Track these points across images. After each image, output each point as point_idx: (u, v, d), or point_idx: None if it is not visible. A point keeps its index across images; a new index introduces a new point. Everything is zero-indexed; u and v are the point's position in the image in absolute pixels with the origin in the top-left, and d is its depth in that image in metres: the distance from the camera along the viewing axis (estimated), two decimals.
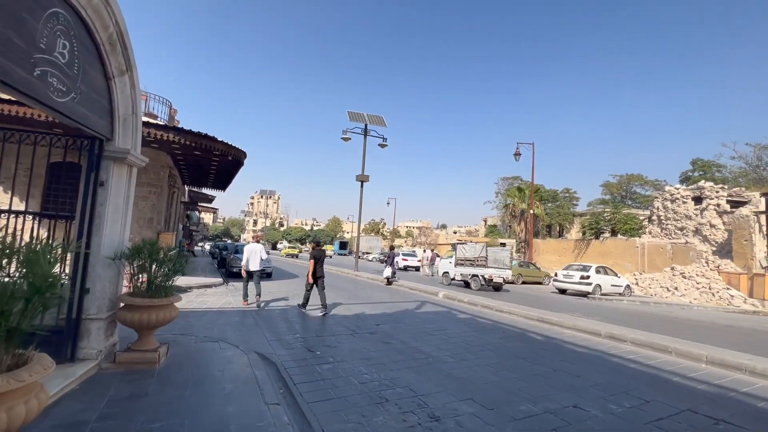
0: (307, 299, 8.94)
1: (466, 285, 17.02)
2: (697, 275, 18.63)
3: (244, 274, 9.72)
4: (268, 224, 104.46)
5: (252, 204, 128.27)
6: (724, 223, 20.28)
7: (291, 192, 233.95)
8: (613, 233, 28.09)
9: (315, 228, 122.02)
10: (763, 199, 18.98)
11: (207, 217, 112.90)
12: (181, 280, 11.85)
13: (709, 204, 20.71)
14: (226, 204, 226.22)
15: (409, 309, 9.97)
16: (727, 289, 17.54)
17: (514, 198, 33.27)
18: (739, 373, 5.42)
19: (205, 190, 38.93)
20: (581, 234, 51.34)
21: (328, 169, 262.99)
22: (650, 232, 23.94)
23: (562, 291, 18.36)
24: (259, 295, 9.38)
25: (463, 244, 19.87)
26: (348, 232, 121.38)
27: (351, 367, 4.91)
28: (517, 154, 26.91)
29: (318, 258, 9.05)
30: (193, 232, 52.19)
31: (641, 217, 26.43)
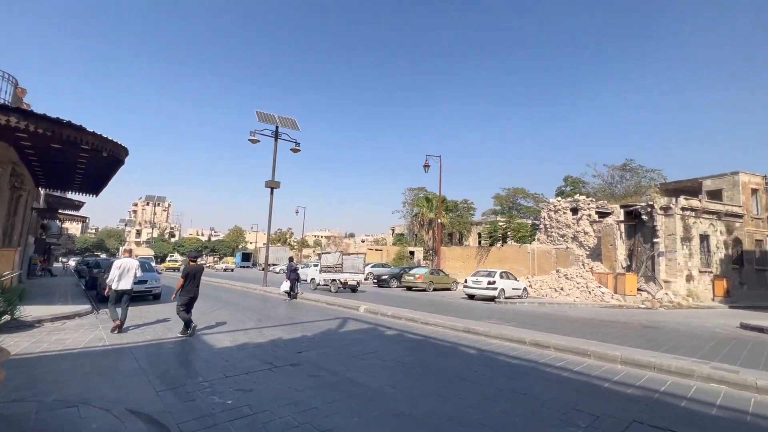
0: (187, 323, 7.70)
1: (342, 288, 19.38)
2: (576, 276, 21.46)
3: (107, 293, 8.12)
4: (155, 235, 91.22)
5: (135, 212, 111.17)
6: (594, 230, 23.96)
7: (185, 199, 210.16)
8: (504, 240, 31.13)
9: (214, 238, 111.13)
10: (622, 211, 22.93)
11: (73, 228, 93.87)
12: (27, 310, 8.99)
13: (583, 214, 24.30)
14: (101, 211, 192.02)
15: (332, 329, 9.06)
16: (599, 287, 20.53)
17: (423, 207, 34.68)
18: (650, 371, 5.87)
19: (71, 195, 32.08)
20: (478, 242, 56.29)
21: (229, 176, 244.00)
22: (539, 239, 27.10)
23: (471, 296, 19.32)
24: (122, 321, 7.88)
25: (326, 253, 22.51)
26: (251, 243, 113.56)
27: (276, 418, 3.88)
28: (426, 166, 28.02)
29: (191, 275, 7.78)
30: (52, 246, 42.54)
31: (529, 226, 29.79)
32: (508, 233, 29.24)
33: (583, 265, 22.34)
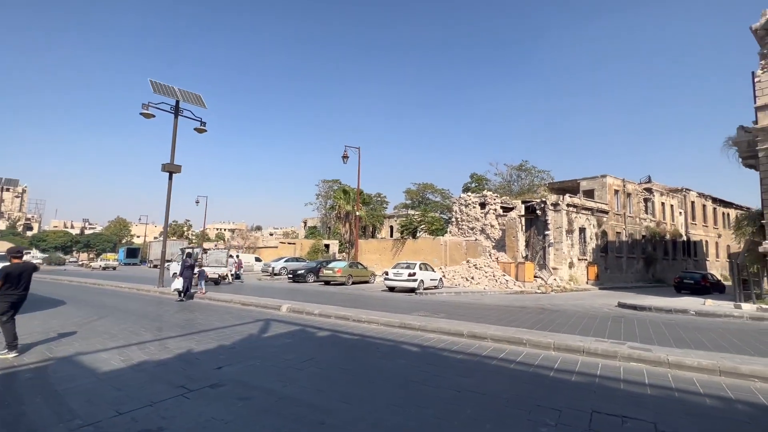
0: (12, 336, 6.05)
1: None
2: (485, 266, 23.16)
3: None
4: (3, 227, 72.93)
5: None
6: (499, 223, 26.22)
7: (48, 185, 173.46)
8: (414, 234, 32.26)
9: (89, 231, 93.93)
10: (523, 206, 25.48)
11: None
12: None
13: (490, 209, 26.41)
14: None
15: (254, 334, 7.90)
16: (504, 275, 22.48)
17: (340, 200, 33.96)
18: (580, 354, 6.23)
19: None
20: (390, 234, 57.75)
21: (109, 160, 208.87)
22: (450, 232, 28.69)
23: (392, 288, 19.39)
24: None
25: (189, 248, 24.72)
26: (138, 236, 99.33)
27: None
28: (345, 157, 27.33)
29: (14, 276, 6.13)
30: None
31: (441, 219, 31.39)
32: (422, 226, 30.33)
33: (490, 255, 24.25)
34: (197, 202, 49.29)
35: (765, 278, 16.26)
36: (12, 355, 5.97)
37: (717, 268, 41.63)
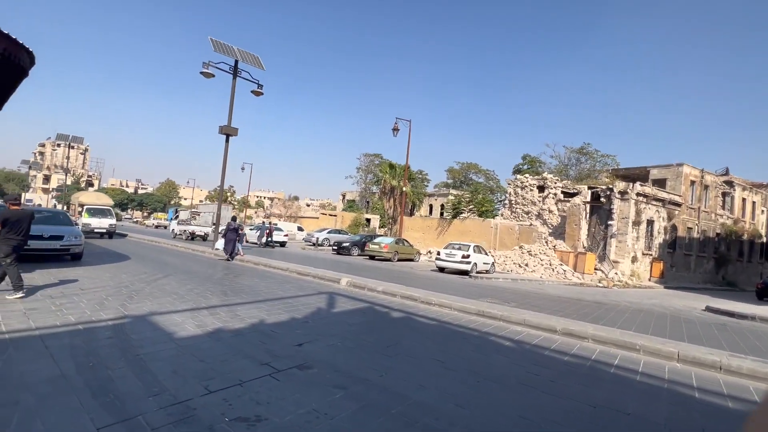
0: (17, 277, 6.14)
1: (191, 237, 24.06)
2: (540, 253, 21.74)
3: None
4: (69, 182, 79.02)
5: (42, 153, 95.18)
6: (558, 209, 24.41)
7: (107, 145, 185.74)
8: (456, 215, 30.85)
9: (141, 191, 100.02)
10: (589, 192, 23.46)
11: None
12: None
13: (550, 193, 24.59)
14: None
15: (322, 308, 7.42)
16: (561, 264, 21.00)
17: (386, 174, 33.11)
18: (719, 372, 5.16)
19: None
20: (429, 213, 56.54)
21: (163, 124, 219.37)
22: (502, 214, 27.20)
23: (441, 269, 18.62)
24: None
25: (183, 210, 30.09)
26: (186, 199, 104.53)
27: None
28: (396, 129, 26.24)
29: (12, 222, 6.20)
30: None
31: (494, 201, 29.81)
32: (470, 206, 29.00)
33: (546, 242, 22.72)
34: (243, 168, 50.34)
35: None
36: (19, 295, 6.07)
37: None
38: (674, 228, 27.54)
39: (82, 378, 3.55)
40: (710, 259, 30.73)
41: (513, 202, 26.59)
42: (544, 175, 25.78)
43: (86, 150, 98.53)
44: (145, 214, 79.48)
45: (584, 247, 22.71)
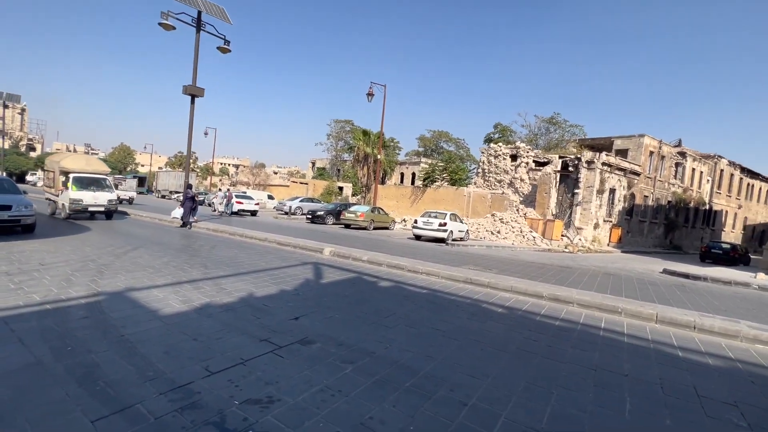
0: None
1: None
2: (512, 221, 22.40)
3: None
4: (6, 146, 71.22)
5: None
6: (530, 178, 25.04)
7: (49, 105, 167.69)
8: (430, 183, 30.97)
9: (92, 155, 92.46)
10: (560, 161, 24.10)
11: None
12: None
13: (522, 161, 25.06)
14: None
15: (310, 278, 7.21)
16: (531, 231, 21.80)
17: (359, 141, 32.31)
18: (693, 331, 5.53)
19: None
20: (400, 181, 56.49)
21: (113, 82, 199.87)
22: (475, 183, 27.56)
23: (418, 237, 18.77)
24: None
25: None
26: (143, 165, 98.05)
27: None
28: (370, 94, 25.34)
29: None
30: None
31: (467, 170, 30.05)
32: (444, 175, 29.12)
33: (517, 210, 23.40)
34: (206, 133, 47.39)
35: None
36: None
37: (731, 238, 41.12)
38: (633, 196, 29.19)
39: (62, 364, 3.20)
40: (661, 225, 33.10)
41: (486, 170, 26.94)
42: (517, 144, 26.14)
43: (24, 110, 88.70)
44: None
45: (553, 215, 23.65)
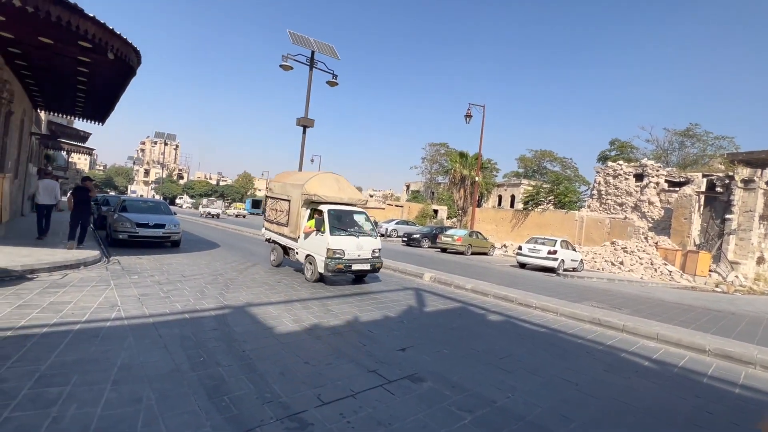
0: (73, 234, 8.88)
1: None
2: (638, 250, 19.16)
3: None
4: (164, 175, 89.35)
5: (143, 150, 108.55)
6: (661, 200, 21.32)
7: (192, 141, 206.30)
8: (534, 206, 28.45)
9: (222, 183, 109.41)
10: (704, 180, 20.12)
11: (81, 162, 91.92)
12: (13, 255, 6.94)
13: (650, 182, 21.54)
14: (108, 147, 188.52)
15: (413, 306, 6.94)
16: (665, 264, 18.29)
17: (456, 163, 31.79)
18: None
19: (76, 125, 29.38)
20: (497, 204, 53.77)
21: (238, 121, 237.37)
22: (589, 206, 24.55)
23: (522, 265, 17.23)
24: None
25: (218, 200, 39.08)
26: (260, 190, 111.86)
27: None
28: (468, 116, 24.83)
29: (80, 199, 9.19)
30: (60, 179, 40.76)
31: (578, 191, 27.08)
32: (549, 197, 26.61)
33: (646, 238, 19.97)
34: (312, 160, 52.06)
35: None
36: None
37: None
38: None
39: (196, 375, 3.41)
40: None
41: (603, 192, 23.77)
42: (644, 161, 22.57)
43: (177, 146, 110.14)
44: (227, 204, 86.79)
45: (695, 245, 19.53)
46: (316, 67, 16.85)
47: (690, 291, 15.35)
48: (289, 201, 9.00)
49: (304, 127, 16.69)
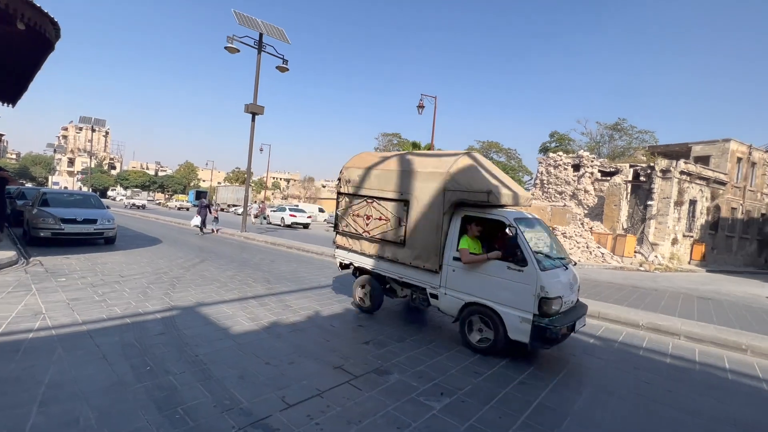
0: None
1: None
2: (576, 235, 20.74)
3: None
4: (92, 165, 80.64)
5: (66, 137, 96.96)
6: (595, 189, 23.18)
7: (125, 127, 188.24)
8: None
9: (161, 173, 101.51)
10: (631, 170, 22.11)
11: None
12: None
13: (586, 172, 23.30)
14: (22, 135, 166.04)
15: None
16: (599, 247, 20.00)
17: None
18: None
19: None
20: None
21: (180, 107, 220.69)
22: (533, 195, 26.04)
23: None
24: None
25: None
26: (204, 180, 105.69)
27: None
28: (421, 107, 25.10)
29: None
30: None
31: (524, 181, 28.61)
32: None
33: (582, 224, 21.65)
34: (261, 150, 49.90)
35: None
36: None
37: None
38: (717, 208, 25.95)
39: (143, 386, 3.09)
40: (753, 241, 29.05)
41: (545, 181, 25.40)
42: (580, 152, 24.40)
43: (107, 133, 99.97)
44: (167, 196, 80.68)
45: (624, 229, 21.57)
46: (264, 51, 16.03)
47: (619, 271, 16.96)
48: (404, 202, 5.17)
49: (253, 114, 15.92)
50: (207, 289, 6.44)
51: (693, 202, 24.12)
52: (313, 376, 3.53)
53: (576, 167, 24.24)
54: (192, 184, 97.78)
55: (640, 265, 18.82)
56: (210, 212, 16.44)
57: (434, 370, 3.86)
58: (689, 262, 23.95)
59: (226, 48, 14.66)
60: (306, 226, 26.57)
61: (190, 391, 3.08)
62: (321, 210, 38.24)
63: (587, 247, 19.65)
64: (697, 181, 23.87)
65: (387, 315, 5.78)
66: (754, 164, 28.15)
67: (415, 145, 32.58)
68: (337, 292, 6.94)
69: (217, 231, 16.73)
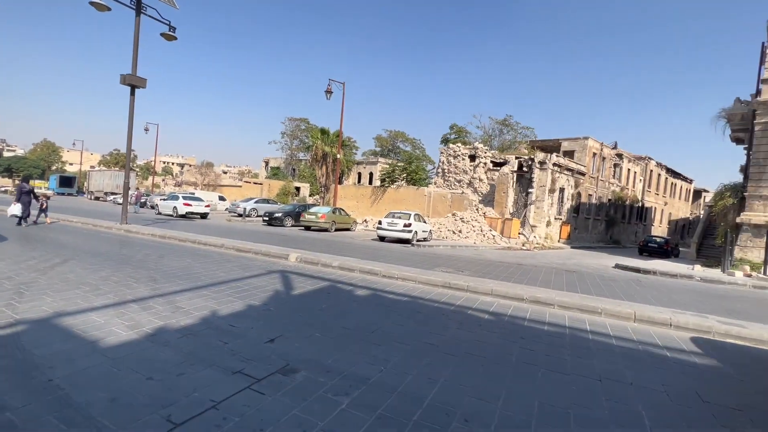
0: None
1: None
2: (472, 220, 22.80)
3: None
4: None
5: None
6: (488, 178, 25.70)
7: None
8: (390, 183, 30.95)
9: (8, 153, 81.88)
10: (516, 162, 24.95)
11: None
12: None
13: (480, 162, 25.66)
14: None
15: (280, 290, 6.53)
16: (490, 230, 22.33)
17: (317, 140, 31.30)
18: (670, 329, 5.65)
19: None
20: (357, 181, 56.03)
21: (33, 70, 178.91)
22: (435, 183, 27.79)
23: (382, 238, 18.44)
24: None
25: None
26: (71, 164, 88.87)
27: None
28: (329, 92, 24.69)
29: None
30: None
31: (427, 170, 30.23)
32: (405, 175, 29.08)
33: (477, 210, 23.88)
34: (146, 129, 43.56)
35: (736, 247, 17.26)
36: None
37: (659, 232, 45.41)
38: (579, 195, 31.07)
39: None
40: (602, 222, 35.63)
41: (446, 170, 27.31)
42: (476, 144, 26.78)
43: None
44: (16, 181, 65.44)
45: (510, 214, 24.46)
46: (145, 13, 13.84)
47: (507, 251, 19.21)
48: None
49: (133, 87, 13.73)
50: (70, 294, 5.32)
51: (562, 190, 28.35)
52: (207, 386, 3.14)
53: (472, 158, 26.54)
54: (54, 168, 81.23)
55: (523, 245, 21.55)
56: (36, 200, 13.96)
57: (342, 362, 3.79)
58: (559, 241, 28.22)
59: (91, 3, 12.16)
60: (204, 216, 24.16)
61: (38, 427, 2.47)
62: (222, 198, 35.20)
63: (481, 230, 21.72)
64: (566, 172, 28.07)
65: (290, 311, 5.52)
66: (604, 158, 34.17)
67: (324, 132, 31.94)
68: (239, 288, 6.39)
69: (48, 221, 14.89)
